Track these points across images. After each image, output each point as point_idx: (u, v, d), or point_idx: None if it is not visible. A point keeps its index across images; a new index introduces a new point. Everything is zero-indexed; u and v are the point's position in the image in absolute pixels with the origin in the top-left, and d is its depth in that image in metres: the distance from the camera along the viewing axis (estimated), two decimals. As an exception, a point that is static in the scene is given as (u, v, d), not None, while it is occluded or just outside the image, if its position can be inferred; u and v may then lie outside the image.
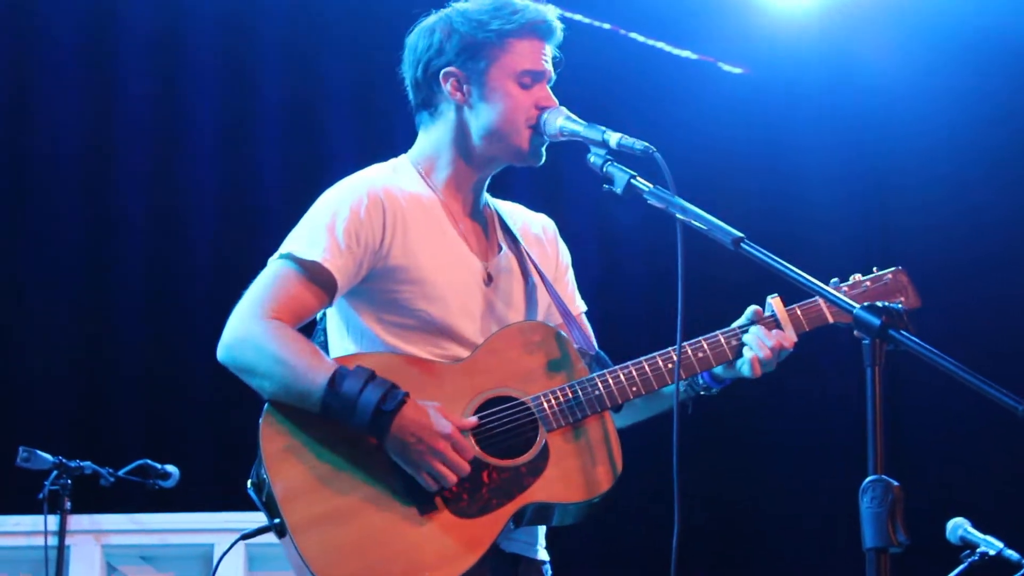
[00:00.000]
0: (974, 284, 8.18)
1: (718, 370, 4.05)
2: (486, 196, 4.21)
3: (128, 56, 7.50)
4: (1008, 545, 5.49)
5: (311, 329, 4.00)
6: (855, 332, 3.86)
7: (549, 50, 4.09)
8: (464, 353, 3.96)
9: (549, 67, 4.08)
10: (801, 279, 3.34)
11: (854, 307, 3.12)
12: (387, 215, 3.94)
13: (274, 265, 3.88)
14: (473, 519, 3.77)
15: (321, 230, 3.88)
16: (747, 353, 3.98)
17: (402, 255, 3.93)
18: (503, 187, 4.32)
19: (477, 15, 4.06)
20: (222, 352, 3.82)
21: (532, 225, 4.30)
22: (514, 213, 4.28)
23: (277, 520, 3.71)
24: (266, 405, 3.78)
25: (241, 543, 4.24)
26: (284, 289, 3.84)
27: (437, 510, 3.75)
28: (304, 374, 3.72)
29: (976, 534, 5.54)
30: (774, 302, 4.06)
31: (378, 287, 3.94)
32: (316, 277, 3.85)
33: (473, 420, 3.82)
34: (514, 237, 4.18)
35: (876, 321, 3.05)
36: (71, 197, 7.41)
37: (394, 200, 3.98)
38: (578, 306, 4.32)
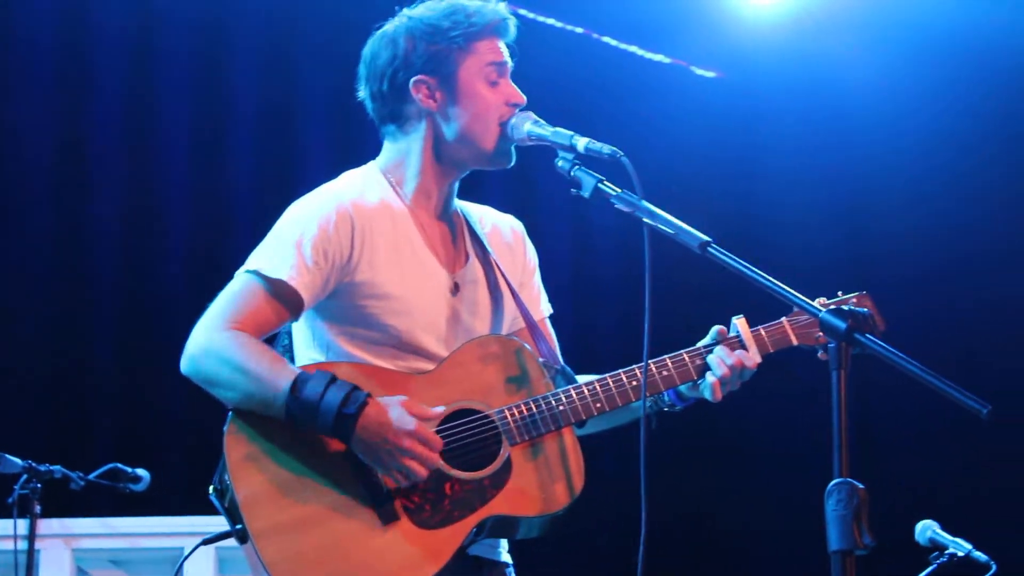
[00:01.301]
0: (948, 287, 8.21)
1: (682, 389, 4.06)
2: (456, 201, 4.21)
3: (101, 60, 7.49)
4: (977, 547, 5.50)
5: (274, 337, 4.00)
6: (819, 354, 3.93)
7: (505, 45, 4.11)
8: (429, 366, 3.96)
9: (508, 60, 4.09)
10: (768, 284, 3.35)
11: (819, 311, 3.14)
12: (355, 231, 3.94)
13: (240, 279, 3.88)
14: (435, 530, 3.77)
15: (289, 247, 3.88)
16: (709, 377, 3.97)
17: (369, 270, 3.93)
18: (475, 191, 4.32)
19: (436, 22, 4.06)
20: (185, 364, 3.82)
21: (501, 228, 4.30)
22: (483, 216, 4.28)
23: (239, 526, 3.71)
24: (231, 413, 3.78)
25: (211, 547, 4.24)
26: (248, 303, 3.84)
27: (399, 520, 3.75)
28: (266, 382, 3.72)
29: (945, 536, 5.55)
30: (739, 323, 4.05)
31: (344, 302, 3.94)
32: (281, 294, 3.85)
33: (440, 410, 3.82)
34: (482, 244, 4.18)
35: (842, 325, 3.06)
36: (43, 201, 7.39)
37: (363, 214, 3.97)
38: (542, 310, 4.32)
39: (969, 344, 7.97)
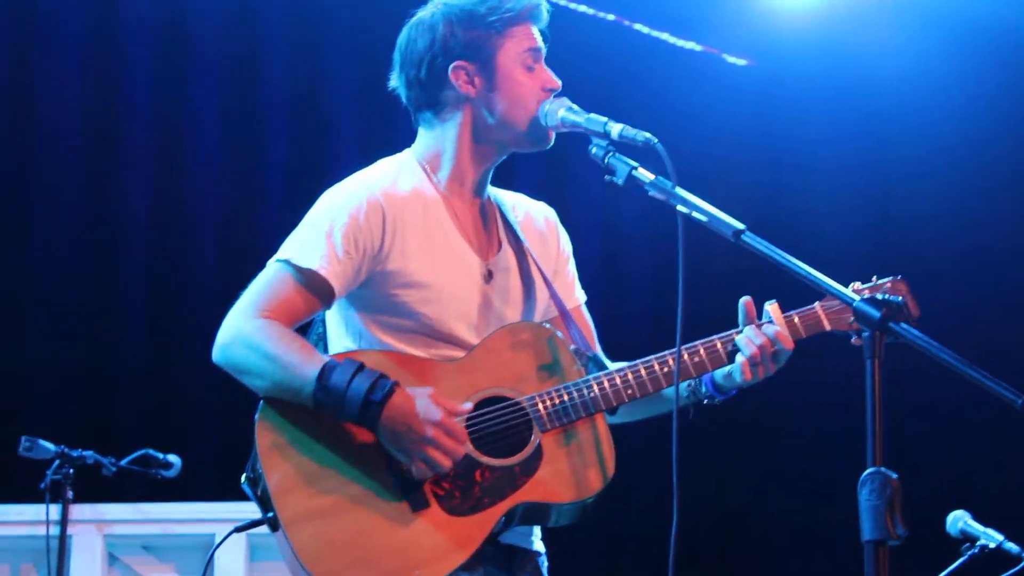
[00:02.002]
0: (978, 276, 8.19)
1: (719, 379, 4.04)
2: (489, 189, 4.21)
3: (131, 50, 7.50)
4: (1008, 538, 5.48)
5: (309, 324, 4.02)
6: (852, 340, 3.89)
7: (539, 29, 4.12)
8: (461, 354, 3.97)
9: (543, 45, 4.10)
10: (802, 271, 3.33)
11: (854, 299, 3.13)
12: (386, 220, 3.95)
13: (272, 268, 3.91)
14: (465, 517, 3.78)
15: (319, 236, 3.89)
16: (738, 358, 3.94)
17: (400, 259, 3.94)
18: (509, 177, 4.32)
19: (473, 8, 4.08)
20: (217, 352, 3.85)
21: (534, 216, 4.30)
22: (516, 204, 4.28)
23: (271, 514, 3.73)
24: (261, 402, 3.80)
25: (242, 535, 4.25)
26: (280, 293, 3.86)
27: (429, 507, 3.76)
28: (294, 370, 3.74)
29: (976, 527, 5.53)
30: (771, 308, 4.01)
31: (376, 291, 3.95)
32: (312, 284, 3.87)
33: (468, 407, 3.82)
34: (515, 232, 4.18)
35: (876, 313, 3.05)
36: (74, 189, 7.41)
37: (394, 203, 3.99)
38: (577, 297, 4.32)
39: (998, 331, 7.95)
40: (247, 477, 3.82)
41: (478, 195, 4.15)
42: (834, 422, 7.76)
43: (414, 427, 3.70)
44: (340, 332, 4.06)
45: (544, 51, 4.10)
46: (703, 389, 4.07)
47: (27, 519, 6.38)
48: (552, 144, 4.11)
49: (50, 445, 6.11)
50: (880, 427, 2.96)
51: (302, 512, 3.72)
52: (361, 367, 3.72)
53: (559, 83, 4.07)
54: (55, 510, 6.11)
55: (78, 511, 6.26)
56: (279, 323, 3.82)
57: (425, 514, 3.76)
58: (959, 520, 5.59)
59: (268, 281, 3.89)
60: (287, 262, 3.88)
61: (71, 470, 6.12)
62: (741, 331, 3.99)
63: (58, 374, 7.29)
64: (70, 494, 6.12)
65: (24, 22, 7.40)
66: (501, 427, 3.87)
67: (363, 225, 3.92)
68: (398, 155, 4.17)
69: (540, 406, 3.88)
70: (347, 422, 3.73)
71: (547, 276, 4.16)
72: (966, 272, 8.18)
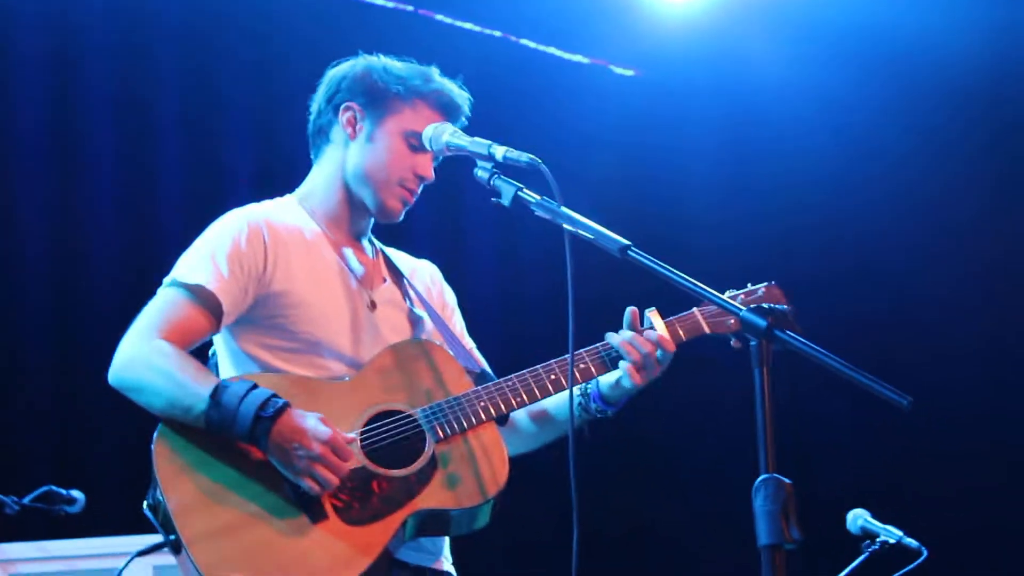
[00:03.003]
0: (862, 285, 8.31)
1: (606, 390, 4.17)
2: (372, 238, 4.32)
3: (20, 80, 7.43)
4: (907, 534, 5.56)
5: (203, 360, 4.06)
6: (732, 343, 4.02)
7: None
8: (350, 374, 4.06)
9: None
10: (687, 284, 3.40)
11: (740, 310, 3.19)
12: (267, 244, 4.08)
13: (162, 292, 4.00)
14: (364, 526, 3.86)
15: (205, 258, 4.01)
16: (623, 364, 4.09)
17: (284, 280, 4.06)
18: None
19: (397, 69, 4.26)
20: (112, 374, 3.92)
21: (418, 270, 4.46)
22: (401, 258, 4.41)
23: (172, 536, 3.77)
24: (158, 428, 3.85)
25: (147, 563, 4.26)
26: (172, 313, 3.95)
27: (328, 519, 3.84)
28: (188, 388, 3.81)
29: (876, 524, 5.61)
30: (652, 315, 4.18)
31: (262, 313, 4.06)
32: (202, 300, 3.96)
33: (352, 436, 3.90)
34: (400, 274, 4.28)
35: (762, 322, 3.11)
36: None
37: (274, 230, 4.12)
38: (468, 342, 4.42)
39: (886, 340, 8.07)
40: (147, 504, 3.87)
41: (358, 238, 4.28)
42: (730, 428, 7.83)
43: (303, 444, 3.76)
44: (231, 358, 4.14)
45: (433, 153, 4.18)
46: (592, 405, 4.20)
47: (-70, 562, 6.31)
48: (400, 220, 4.24)
49: (-50, 486, 6.06)
50: (772, 434, 3.01)
51: (203, 531, 3.77)
52: (254, 386, 3.79)
53: (432, 178, 4.21)
54: (-42, 552, 6.05)
55: (-19, 552, 6.21)
56: (174, 344, 3.89)
57: (325, 525, 3.83)
58: (859, 518, 5.66)
59: (160, 303, 3.98)
60: (175, 282, 3.99)
61: (-28, 510, 6.07)
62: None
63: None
64: (-28, 535, 6.06)
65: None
66: (395, 439, 3.96)
67: (245, 248, 4.04)
68: (277, 198, 4.31)
69: (432, 416, 3.99)
70: (237, 440, 3.79)
71: (434, 311, 4.26)
72: (852, 281, 8.31)
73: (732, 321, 4.16)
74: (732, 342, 4.10)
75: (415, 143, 4.17)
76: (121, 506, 7.05)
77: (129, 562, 4.27)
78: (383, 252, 4.38)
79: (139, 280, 7.23)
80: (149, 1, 7.64)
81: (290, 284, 4.05)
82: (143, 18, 7.65)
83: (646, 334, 4.12)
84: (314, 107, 4.33)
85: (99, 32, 7.58)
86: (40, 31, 7.43)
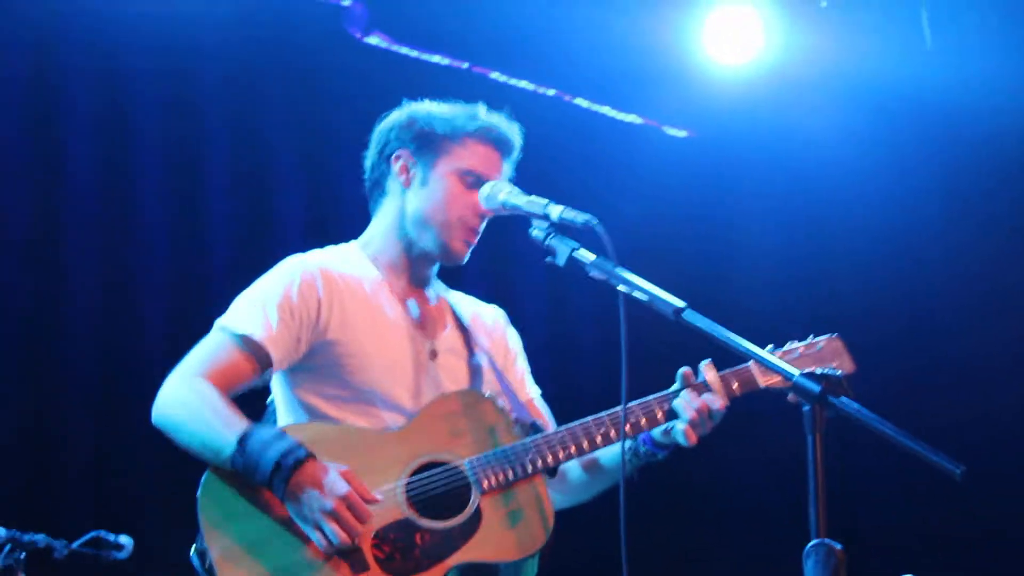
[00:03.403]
0: (911, 346, 8.28)
1: (658, 436, 4.13)
2: (438, 284, 4.30)
3: (72, 136, 7.48)
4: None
5: (263, 408, 4.08)
6: (788, 396, 3.98)
7: (504, 166, 4.20)
8: (401, 420, 4.05)
9: (497, 178, 4.18)
10: (741, 347, 3.41)
11: (793, 375, 3.19)
12: (321, 293, 4.08)
13: (211, 336, 4.05)
14: None
15: (256, 307, 4.04)
16: (679, 424, 4.06)
17: (339, 329, 4.05)
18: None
19: (441, 111, 4.25)
20: (154, 413, 3.97)
21: (482, 315, 4.43)
22: (464, 303, 4.39)
23: None
24: (204, 476, 3.88)
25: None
26: (216, 357, 3.99)
27: (369, 570, 3.83)
28: (218, 431, 3.84)
29: (923, 591, 5.59)
30: (706, 369, 4.15)
31: (319, 362, 4.06)
32: (248, 349, 3.98)
33: (375, 496, 3.85)
34: (462, 323, 4.27)
35: (816, 388, 3.11)
36: (15, 270, 7.36)
37: (330, 279, 4.11)
38: (528, 392, 4.40)
39: (938, 399, 8.03)
40: (195, 550, 3.90)
41: (422, 286, 4.25)
42: (780, 492, 7.80)
43: (317, 496, 3.76)
44: (286, 406, 4.14)
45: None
46: (643, 448, 4.15)
47: (-22, 605, 6.33)
48: (465, 261, 4.23)
49: (1, 529, 6.08)
50: (824, 499, 3.01)
51: None
52: (282, 435, 3.81)
53: (491, 214, 4.15)
54: (7, 595, 6.07)
55: (30, 596, 6.23)
56: (214, 386, 3.90)
57: None
58: (907, 584, 5.64)
59: (208, 347, 4.02)
60: (224, 328, 4.01)
61: (23, 554, 6.07)
62: (678, 394, 4.09)
63: (6, 457, 7.24)
64: (22, 578, 6.09)
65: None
66: (441, 491, 3.94)
67: (296, 300, 4.05)
68: (342, 244, 4.29)
69: (479, 469, 3.97)
70: (258, 486, 3.80)
71: (497, 366, 4.24)
72: (902, 341, 8.28)
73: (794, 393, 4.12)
74: (788, 396, 4.05)
75: (471, 181, 4.17)
76: (168, 552, 7.09)
77: None
78: (447, 299, 4.36)
79: (186, 326, 7.29)
80: (197, 56, 7.68)
81: (345, 333, 4.05)
82: (191, 73, 7.71)
83: (703, 396, 4.09)
84: (367, 162, 4.35)
85: (148, 86, 7.63)
86: (91, 88, 7.49)
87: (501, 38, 8.25)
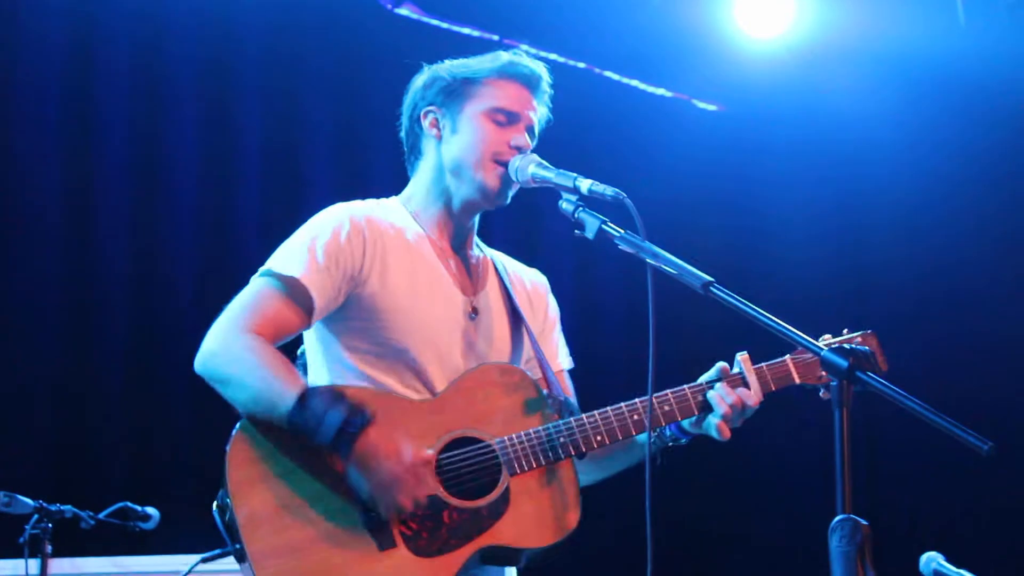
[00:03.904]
0: (946, 319, 8.25)
1: (686, 425, 4.10)
2: (479, 243, 4.28)
3: (106, 102, 7.49)
4: (981, 579, 5.51)
5: (292, 358, 4.04)
6: (820, 393, 3.99)
7: (533, 102, 4.17)
8: (437, 386, 4.01)
9: (529, 115, 4.16)
10: (770, 322, 3.38)
11: (821, 350, 3.17)
12: (367, 243, 4.01)
13: (255, 283, 3.95)
14: (431, 558, 3.81)
15: (301, 249, 3.95)
16: (712, 417, 4.03)
17: (379, 284, 3.99)
18: (481, 231, 4.36)
19: (462, 62, 4.22)
20: (200, 363, 3.86)
21: (524, 277, 4.38)
22: (508, 263, 4.36)
23: (238, 545, 3.75)
24: (235, 431, 3.82)
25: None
26: (263, 304, 3.90)
27: (396, 547, 3.79)
28: (276, 386, 3.76)
29: (950, 568, 5.56)
30: (742, 359, 4.11)
31: (354, 315, 3.99)
32: (294, 294, 3.90)
33: (430, 454, 3.83)
34: (503, 282, 4.24)
35: (843, 363, 3.09)
36: (49, 240, 7.38)
37: (376, 229, 4.05)
38: (560, 363, 4.37)
39: (970, 374, 8.00)
40: (217, 504, 3.84)
41: (461, 242, 4.22)
42: (807, 468, 7.79)
43: (383, 465, 3.72)
44: (317, 360, 4.09)
45: (531, 122, 4.17)
46: (668, 432, 4.13)
47: (6, 574, 6.36)
48: (507, 203, 4.16)
49: (28, 500, 6.09)
50: (849, 475, 3.00)
51: (269, 548, 3.72)
52: (341, 396, 3.74)
53: (529, 145, 4.12)
54: (34, 565, 6.08)
55: (57, 565, 6.23)
56: (264, 339, 3.84)
57: (391, 554, 3.78)
58: (932, 561, 5.61)
59: (252, 295, 3.93)
60: (269, 272, 3.94)
61: (50, 524, 6.10)
62: (712, 385, 4.07)
63: (34, 428, 7.26)
64: (49, 548, 6.09)
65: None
66: (470, 469, 3.91)
67: (344, 243, 3.98)
68: (384, 199, 4.25)
69: (510, 449, 3.93)
70: (318, 448, 3.73)
71: (532, 333, 4.21)
72: (936, 315, 8.25)
73: (824, 373, 4.07)
74: (821, 393, 4.04)
75: (501, 119, 4.13)
76: (195, 524, 7.11)
77: (194, 566, 4.22)
78: (490, 257, 4.32)
79: (213, 296, 7.31)
80: (232, 27, 7.71)
81: (384, 288, 4.00)
82: (226, 44, 7.74)
83: (738, 390, 4.05)
84: (401, 132, 4.33)
85: (183, 55, 7.65)
86: (126, 56, 7.52)
87: (532, 10, 8.24)
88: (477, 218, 4.26)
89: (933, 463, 7.89)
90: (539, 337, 4.27)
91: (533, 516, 3.92)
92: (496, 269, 4.29)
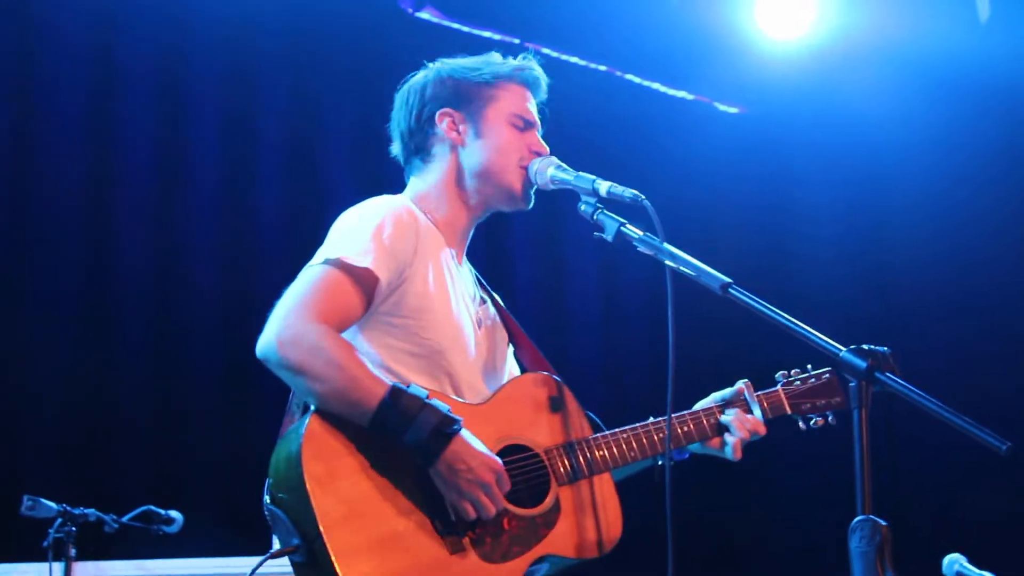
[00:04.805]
0: (969, 319, 8.22)
1: (694, 446, 4.27)
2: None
3: (128, 101, 7.51)
4: (1003, 581, 5.50)
5: None
6: (829, 419, 4.14)
7: (534, 103, 4.22)
8: (463, 390, 4.02)
9: (537, 118, 4.21)
10: (788, 323, 3.39)
11: (840, 350, 3.17)
12: (418, 236, 4.00)
13: (320, 270, 3.85)
14: (497, 564, 3.84)
15: (368, 238, 3.89)
16: (730, 439, 4.22)
17: (416, 280, 3.97)
18: (504, 234, 4.38)
19: (467, 63, 4.24)
20: (268, 348, 3.74)
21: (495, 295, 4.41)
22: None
23: (315, 541, 3.66)
24: (304, 422, 3.75)
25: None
26: (332, 294, 3.82)
27: (465, 552, 3.80)
28: (361, 382, 3.71)
29: (972, 569, 5.55)
30: (747, 389, 4.32)
31: (395, 311, 3.96)
32: (363, 283, 3.86)
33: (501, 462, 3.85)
34: (491, 295, 4.27)
35: (862, 363, 3.10)
36: (71, 241, 7.39)
37: (422, 226, 4.05)
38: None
39: (989, 374, 7.98)
40: (274, 498, 3.78)
41: (465, 246, 4.24)
42: (826, 469, 7.77)
43: (474, 469, 3.74)
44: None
45: (539, 125, 4.21)
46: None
47: (31, 578, 6.39)
48: (531, 207, 4.19)
49: (52, 504, 6.10)
50: (868, 475, 3.00)
51: (350, 546, 3.67)
52: (428, 398, 3.72)
53: (547, 149, 4.16)
54: (58, 568, 6.09)
55: (81, 569, 6.25)
56: (333, 329, 3.77)
57: (463, 558, 3.80)
58: (955, 563, 5.60)
59: (320, 282, 3.84)
60: (339, 262, 3.85)
61: (74, 528, 6.11)
62: (723, 410, 4.25)
63: (58, 432, 7.28)
64: (73, 552, 6.11)
65: (22, 89, 7.41)
66: (522, 477, 3.94)
67: (404, 231, 3.96)
68: (394, 196, 4.22)
69: (557, 460, 3.99)
70: (396, 446, 3.71)
71: (513, 341, 4.27)
72: (959, 315, 8.22)
73: (809, 405, 4.37)
74: (830, 419, 4.35)
75: (520, 124, 4.16)
76: (218, 527, 7.13)
77: (261, 563, 4.07)
78: (475, 272, 4.34)
79: (237, 302, 7.33)
80: (253, 29, 7.73)
81: (423, 285, 3.98)
82: (247, 44, 7.76)
83: (750, 416, 4.25)
84: (398, 131, 4.30)
85: (206, 55, 7.68)
86: (148, 54, 7.55)
87: (553, 13, 8.24)
88: (475, 225, 4.29)
89: (959, 464, 7.86)
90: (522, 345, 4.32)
91: (583, 527, 3.98)
92: (480, 280, 4.33)
